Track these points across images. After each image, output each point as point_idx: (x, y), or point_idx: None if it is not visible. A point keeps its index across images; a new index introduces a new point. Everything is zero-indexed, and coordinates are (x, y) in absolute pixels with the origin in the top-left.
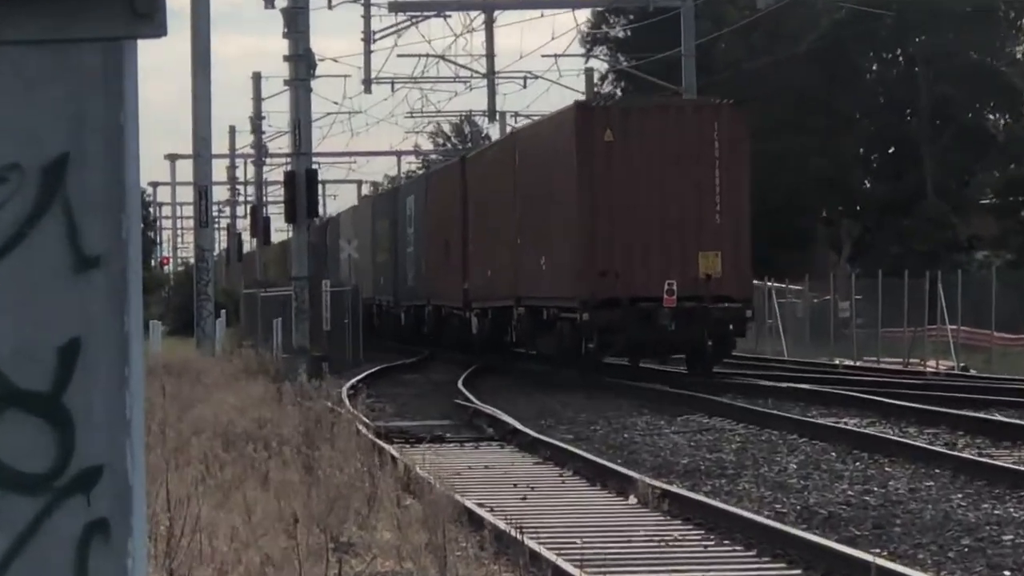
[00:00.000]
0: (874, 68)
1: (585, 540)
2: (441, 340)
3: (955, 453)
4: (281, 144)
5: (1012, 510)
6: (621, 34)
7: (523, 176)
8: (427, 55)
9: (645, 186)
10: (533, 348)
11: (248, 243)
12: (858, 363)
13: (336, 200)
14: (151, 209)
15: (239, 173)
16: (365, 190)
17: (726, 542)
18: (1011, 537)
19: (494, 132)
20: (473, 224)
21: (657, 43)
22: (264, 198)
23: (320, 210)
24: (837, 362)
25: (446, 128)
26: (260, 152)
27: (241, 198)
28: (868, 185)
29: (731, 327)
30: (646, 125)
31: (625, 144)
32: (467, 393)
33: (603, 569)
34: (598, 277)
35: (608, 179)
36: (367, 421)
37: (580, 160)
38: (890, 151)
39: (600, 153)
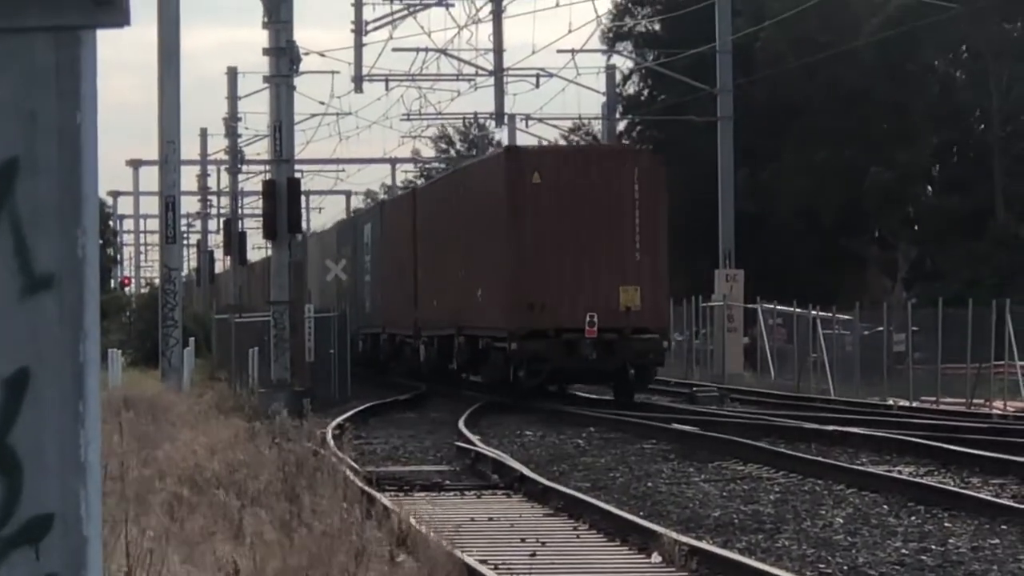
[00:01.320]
0: (937, 66)
1: None
2: (396, 367)
3: None
4: (259, 149)
5: None
6: (647, 27)
7: (464, 212)
8: (426, 49)
9: (570, 225)
10: (474, 375)
11: (221, 262)
12: (914, 404)
13: (322, 213)
14: (111, 222)
15: (211, 182)
16: (355, 202)
17: None
18: None
19: (503, 137)
20: (422, 255)
21: (688, 38)
22: (240, 211)
23: (304, 224)
24: (891, 402)
25: (451, 132)
26: (235, 158)
27: (213, 210)
28: (929, 201)
29: (650, 356)
30: (571, 169)
31: (552, 186)
32: (468, 434)
33: None
34: (526, 310)
35: (535, 218)
36: (355, 466)
37: (509, 200)
38: (954, 162)
39: (528, 194)
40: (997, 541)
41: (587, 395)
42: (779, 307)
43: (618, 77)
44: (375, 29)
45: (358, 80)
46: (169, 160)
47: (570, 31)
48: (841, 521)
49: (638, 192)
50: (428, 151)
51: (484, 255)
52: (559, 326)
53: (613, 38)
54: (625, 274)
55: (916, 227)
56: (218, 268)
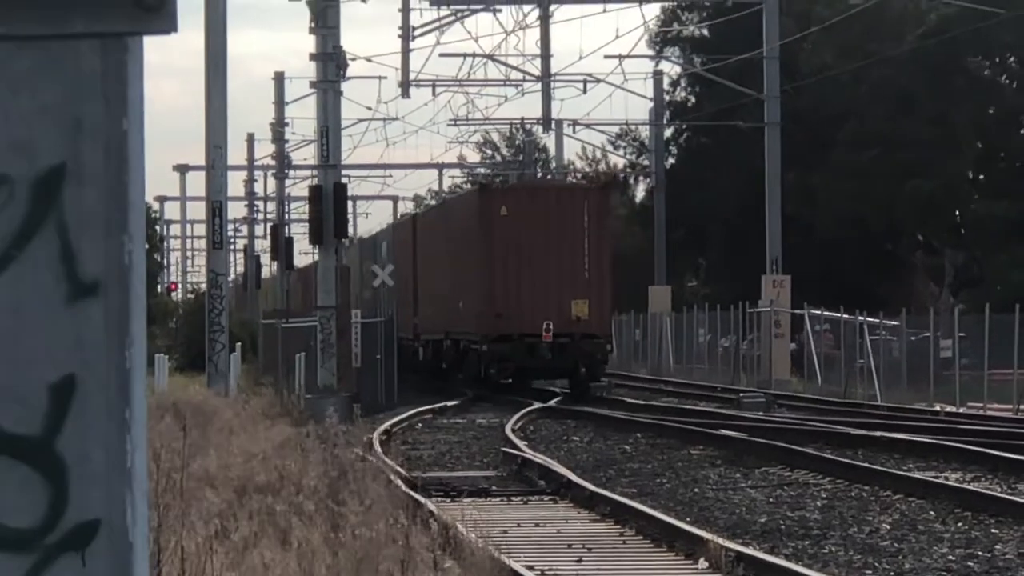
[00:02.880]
0: (986, 73)
1: None
2: (400, 366)
3: None
4: (306, 154)
5: None
6: (695, 33)
7: (449, 237)
8: (473, 55)
9: (531, 249)
10: (459, 373)
11: (268, 267)
12: (961, 409)
13: (369, 219)
14: (158, 228)
15: (258, 187)
16: (402, 207)
17: None
18: None
19: (550, 143)
20: (421, 271)
21: (735, 43)
22: (286, 216)
23: (350, 230)
24: (938, 408)
25: (495, 138)
26: (282, 163)
27: (260, 215)
28: (976, 207)
29: (597, 356)
30: (533, 203)
31: (517, 217)
32: (515, 440)
33: None
34: (495, 318)
35: (503, 243)
36: (401, 471)
37: (481, 229)
38: (1002, 167)
39: (497, 224)
40: None
41: (633, 400)
42: (826, 313)
43: (665, 82)
44: (422, 35)
45: (405, 85)
46: (216, 165)
47: (617, 36)
48: (888, 527)
49: (587, 222)
50: (474, 157)
51: (463, 273)
52: (522, 332)
53: (660, 43)
54: (576, 289)
55: (962, 233)
56: (265, 273)
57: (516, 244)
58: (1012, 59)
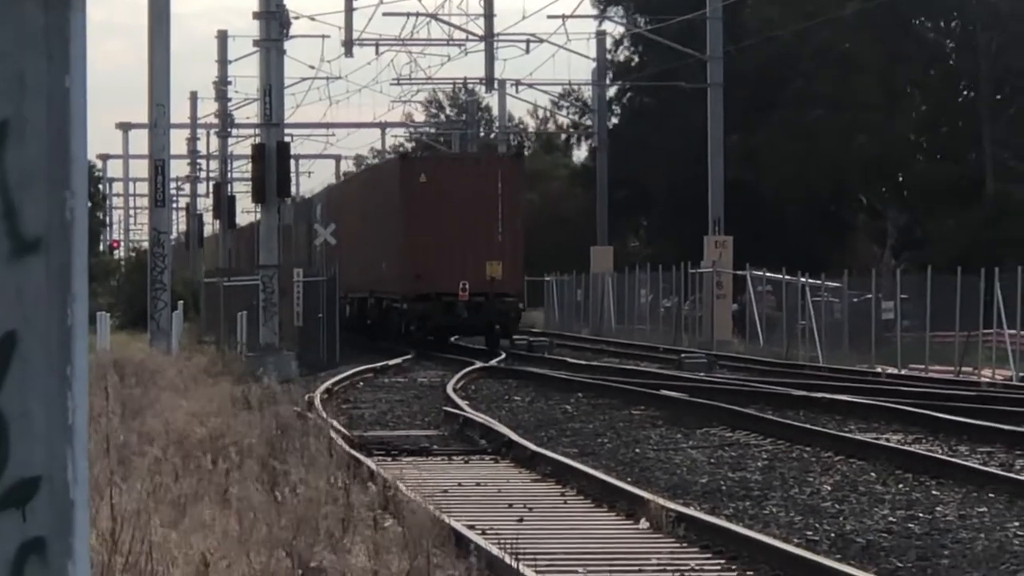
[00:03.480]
0: (930, 35)
1: (589, 569)
2: None
3: (1012, 475)
4: (249, 113)
5: None
6: None
7: (373, 202)
8: (416, 14)
9: (448, 214)
10: (382, 329)
11: (210, 225)
12: (903, 371)
13: (311, 178)
14: (100, 186)
15: (201, 146)
16: (344, 166)
17: (750, 573)
18: None
19: (492, 102)
20: (346, 234)
21: (679, 4)
22: (229, 174)
23: (293, 189)
24: (879, 370)
25: (441, 97)
26: (225, 122)
27: (203, 174)
28: (918, 169)
29: (511, 315)
30: (450, 171)
31: (435, 185)
32: (457, 399)
33: None
34: (415, 278)
35: (423, 209)
36: (343, 430)
37: (402, 196)
38: (944, 130)
39: (417, 191)
40: (984, 509)
41: (575, 360)
42: (768, 274)
43: (608, 43)
44: None
45: (348, 44)
46: (159, 123)
47: None
48: (829, 488)
49: (501, 189)
50: (419, 116)
51: (386, 236)
52: (439, 291)
53: (604, 3)
54: (491, 251)
55: (905, 194)
56: (207, 232)
57: (434, 209)
58: (956, 22)
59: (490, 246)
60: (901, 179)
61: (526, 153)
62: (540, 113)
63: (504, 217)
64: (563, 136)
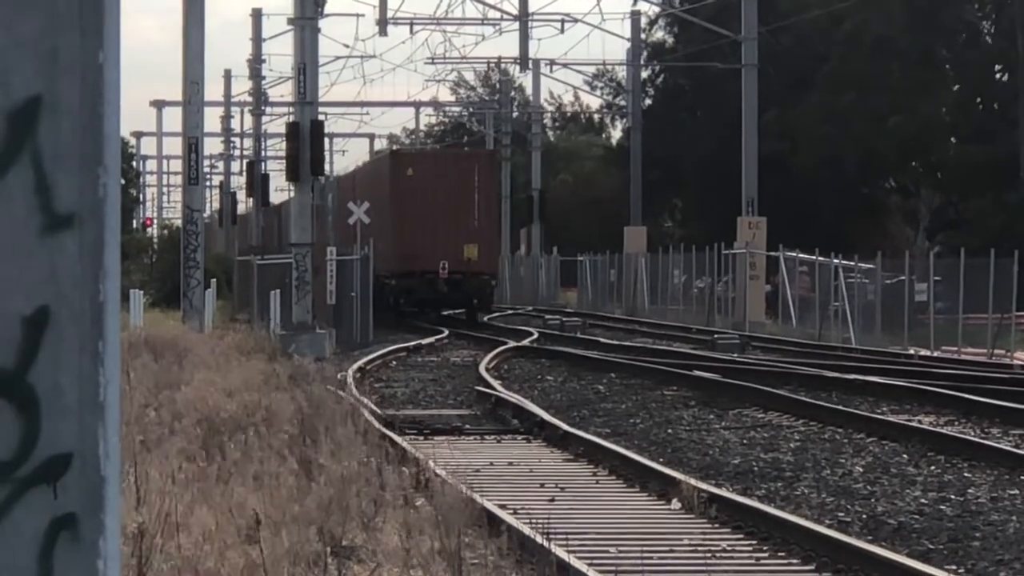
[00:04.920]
0: (965, 16)
1: (621, 549)
2: None
3: None
4: (283, 91)
5: None
6: None
7: (371, 190)
8: None
9: (432, 203)
10: (377, 301)
11: (243, 203)
12: (935, 353)
13: (345, 156)
14: (134, 163)
15: (235, 124)
16: (378, 145)
17: (781, 554)
18: None
19: (526, 83)
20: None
21: None
22: (263, 152)
23: (327, 167)
24: (912, 352)
25: (470, 77)
26: (259, 100)
27: (237, 152)
28: (953, 150)
29: (486, 291)
30: (434, 165)
31: (421, 177)
32: (490, 379)
33: None
34: (402, 258)
35: (410, 198)
36: (375, 409)
37: (391, 187)
38: (979, 111)
39: (405, 183)
40: (1016, 492)
41: (608, 341)
42: (801, 255)
43: (643, 23)
44: None
45: (383, 23)
46: (193, 101)
47: None
48: (861, 470)
49: (478, 181)
50: (449, 97)
51: (379, 221)
52: (423, 269)
53: None
54: (469, 235)
55: (939, 176)
56: (240, 210)
57: (420, 198)
58: (991, 3)
59: (468, 231)
60: (935, 161)
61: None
62: (572, 94)
63: (480, 206)
64: (596, 116)
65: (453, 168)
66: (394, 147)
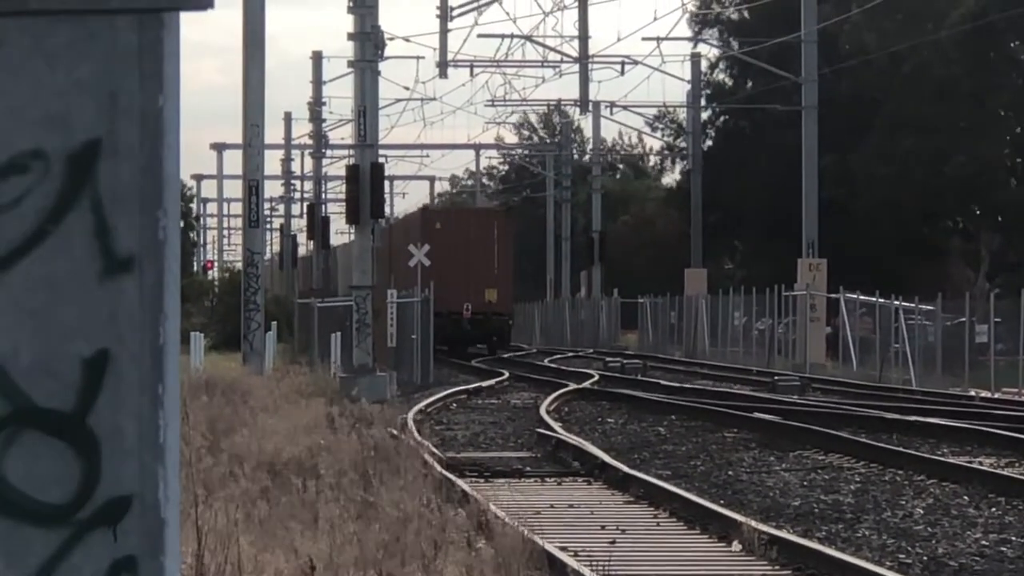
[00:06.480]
0: (1019, 56)
1: None
2: None
3: None
4: (343, 134)
5: None
6: (734, 15)
7: (405, 241)
8: (511, 36)
9: (456, 253)
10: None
11: (304, 246)
12: (996, 395)
13: (406, 199)
14: (193, 205)
15: (295, 166)
16: (439, 187)
17: None
18: None
19: (586, 125)
20: (393, 265)
21: (774, 26)
22: (323, 195)
23: (387, 210)
24: (972, 393)
25: (533, 119)
26: (319, 143)
27: (297, 195)
28: (1012, 192)
29: (503, 329)
30: (459, 221)
31: (447, 230)
32: (550, 421)
33: None
34: (433, 301)
35: (439, 249)
36: (436, 451)
37: (422, 237)
38: None
39: (434, 235)
40: None
41: (668, 383)
42: (861, 297)
43: (703, 65)
44: (460, 15)
45: (443, 66)
46: (253, 144)
47: (656, 18)
48: (921, 512)
49: (496, 235)
50: (511, 138)
51: (412, 268)
52: (449, 310)
53: (699, 26)
54: (488, 281)
55: (999, 219)
56: (301, 252)
57: (447, 248)
58: None
59: (488, 277)
60: (995, 202)
61: (617, 176)
62: (632, 136)
63: (499, 255)
64: (654, 158)
65: (475, 223)
66: (425, 205)
